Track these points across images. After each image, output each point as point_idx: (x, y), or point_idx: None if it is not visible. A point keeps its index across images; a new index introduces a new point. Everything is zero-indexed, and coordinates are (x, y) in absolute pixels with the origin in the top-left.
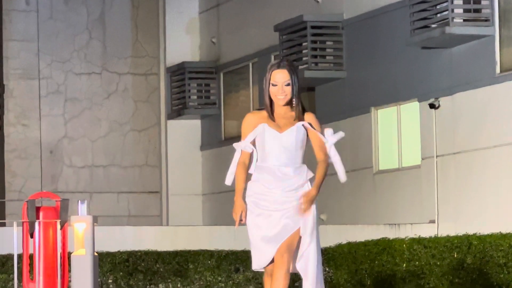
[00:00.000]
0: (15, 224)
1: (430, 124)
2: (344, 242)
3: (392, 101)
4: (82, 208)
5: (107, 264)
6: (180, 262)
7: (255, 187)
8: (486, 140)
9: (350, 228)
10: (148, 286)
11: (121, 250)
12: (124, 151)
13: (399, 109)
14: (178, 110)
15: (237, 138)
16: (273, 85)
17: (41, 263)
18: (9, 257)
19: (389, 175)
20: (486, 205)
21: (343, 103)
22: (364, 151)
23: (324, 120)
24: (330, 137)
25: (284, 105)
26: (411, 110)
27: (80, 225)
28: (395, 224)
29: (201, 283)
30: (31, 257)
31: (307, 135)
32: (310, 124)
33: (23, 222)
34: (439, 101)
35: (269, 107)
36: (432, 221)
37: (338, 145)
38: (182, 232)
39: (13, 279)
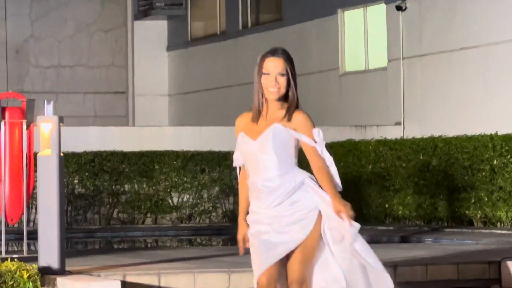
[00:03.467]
0: None
1: (396, 26)
2: None
3: (359, 3)
4: (48, 108)
5: (73, 164)
6: (146, 162)
7: (251, 206)
8: (452, 42)
9: None
10: (114, 186)
11: (87, 151)
12: (91, 52)
13: (366, 11)
14: (145, 10)
15: (204, 39)
16: (264, 74)
17: (7, 163)
18: None
19: (356, 77)
20: (451, 108)
21: (310, 5)
22: (330, 52)
23: (291, 22)
24: (317, 138)
25: (277, 100)
26: (378, 12)
27: (46, 126)
28: (361, 126)
29: (167, 183)
30: None
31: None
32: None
33: None
34: (405, 3)
35: (258, 105)
36: (398, 123)
37: (305, 47)
38: (148, 133)
39: None
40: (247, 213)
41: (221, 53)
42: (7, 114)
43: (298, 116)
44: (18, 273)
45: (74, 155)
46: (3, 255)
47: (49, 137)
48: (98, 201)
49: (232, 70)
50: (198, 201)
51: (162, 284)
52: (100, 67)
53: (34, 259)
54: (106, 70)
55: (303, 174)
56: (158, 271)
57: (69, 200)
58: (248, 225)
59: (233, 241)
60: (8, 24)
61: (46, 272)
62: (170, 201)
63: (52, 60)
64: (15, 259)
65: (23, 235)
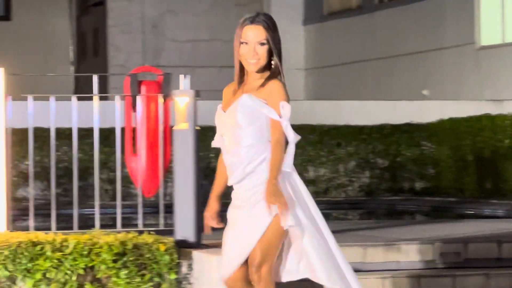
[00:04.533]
0: (117, 98)
1: None
2: (446, 117)
3: None
4: (185, 82)
5: (210, 138)
6: None
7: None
8: None
9: (452, 103)
10: None
11: None
12: (227, 26)
13: None
14: None
15: (339, 13)
16: (243, 43)
17: (144, 137)
18: (112, 130)
19: (492, 51)
20: None
21: None
22: (466, 27)
23: None
24: (282, 112)
25: (258, 71)
26: None
27: (182, 99)
28: (498, 100)
29: (304, 157)
30: (134, 130)
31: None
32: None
33: (125, 96)
34: None
35: (238, 76)
36: None
37: (440, 21)
38: None
39: (116, 152)
40: (221, 192)
41: (357, 27)
42: (143, 88)
43: (271, 85)
44: (154, 246)
45: (210, 128)
46: (140, 228)
47: (185, 110)
48: None
49: (368, 45)
50: (334, 175)
51: None
52: None
53: (170, 233)
54: None
55: (268, 150)
56: None
57: (205, 174)
58: (218, 203)
59: (369, 215)
60: None
61: (182, 245)
62: (306, 175)
63: (189, 34)
64: (152, 232)
65: (159, 209)
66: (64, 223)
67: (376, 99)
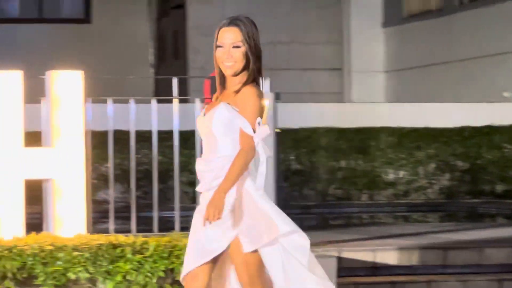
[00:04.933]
0: (197, 100)
1: None
2: None
3: None
4: (265, 85)
5: (289, 140)
6: (362, 139)
7: None
8: None
9: None
10: (329, 163)
11: (303, 127)
12: (307, 28)
13: None
14: None
15: (419, 15)
16: (218, 46)
17: None
18: (192, 133)
19: None
20: None
21: None
22: None
23: None
24: (258, 130)
25: (235, 75)
26: None
27: None
28: None
29: (383, 160)
30: None
31: None
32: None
33: (205, 99)
34: None
35: (219, 81)
36: None
37: None
38: (364, 109)
39: (195, 154)
40: None
41: (437, 29)
42: None
43: (244, 90)
44: None
45: (290, 131)
46: None
47: (265, 113)
48: (314, 177)
49: (448, 47)
50: (414, 177)
51: (377, 260)
52: (316, 43)
53: None
54: (322, 47)
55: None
56: (373, 247)
57: (285, 176)
58: None
59: (449, 217)
60: (225, 1)
61: None
62: (385, 177)
63: (268, 37)
64: None
65: None
66: (144, 226)
67: (456, 101)
